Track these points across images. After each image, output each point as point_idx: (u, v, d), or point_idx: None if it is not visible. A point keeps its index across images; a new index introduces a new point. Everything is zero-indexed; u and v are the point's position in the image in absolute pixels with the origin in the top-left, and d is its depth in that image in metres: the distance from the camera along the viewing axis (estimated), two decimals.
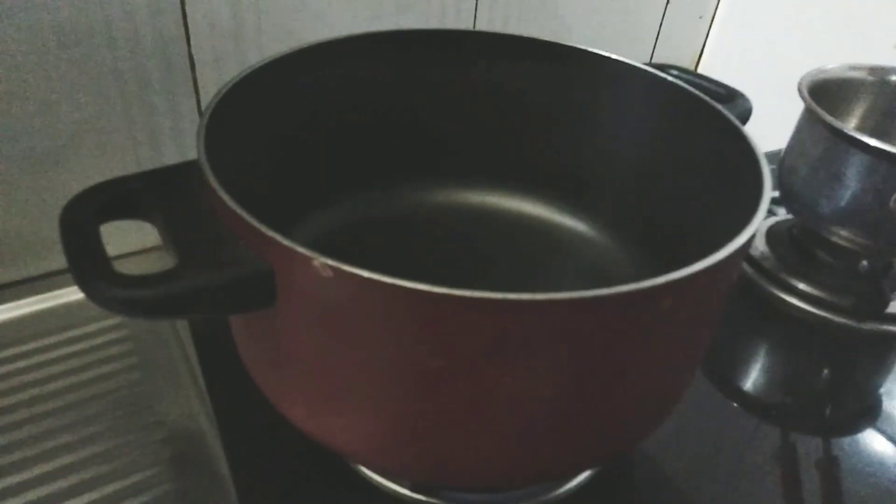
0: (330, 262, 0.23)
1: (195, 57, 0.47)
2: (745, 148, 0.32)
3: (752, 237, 0.26)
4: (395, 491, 0.36)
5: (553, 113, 0.43)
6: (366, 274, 0.22)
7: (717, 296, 0.28)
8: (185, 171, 0.29)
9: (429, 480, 0.34)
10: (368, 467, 0.36)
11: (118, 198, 0.29)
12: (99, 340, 0.46)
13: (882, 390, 0.47)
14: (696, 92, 0.37)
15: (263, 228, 0.24)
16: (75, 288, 0.49)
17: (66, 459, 0.39)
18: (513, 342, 0.24)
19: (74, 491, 0.37)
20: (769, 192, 0.29)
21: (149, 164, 0.49)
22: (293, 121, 0.39)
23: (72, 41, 0.43)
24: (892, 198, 0.44)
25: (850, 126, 0.47)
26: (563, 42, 0.41)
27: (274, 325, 0.27)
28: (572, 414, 0.27)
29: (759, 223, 0.27)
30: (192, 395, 0.43)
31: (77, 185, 0.46)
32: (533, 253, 0.45)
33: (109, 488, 0.37)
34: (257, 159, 0.36)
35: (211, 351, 0.44)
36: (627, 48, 0.69)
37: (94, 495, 0.37)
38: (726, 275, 0.28)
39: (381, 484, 0.36)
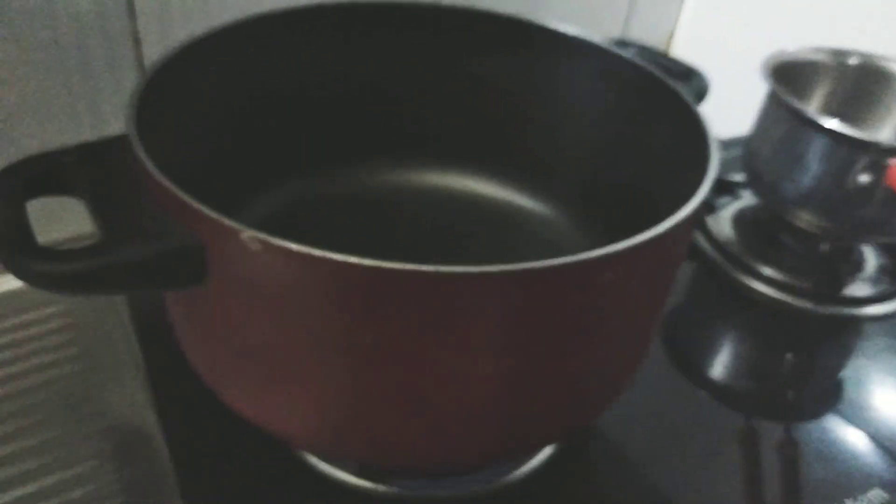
0: (259, 235, 0.22)
1: (141, 33, 0.46)
2: (695, 125, 0.32)
3: (696, 212, 0.26)
4: (341, 479, 0.35)
5: (512, 90, 0.43)
6: (294, 247, 0.22)
7: (662, 270, 0.28)
8: (116, 146, 0.28)
9: (371, 462, 0.33)
10: (309, 450, 0.36)
11: (48, 172, 0.28)
12: (38, 329, 0.45)
13: (843, 374, 0.47)
14: (652, 69, 0.36)
15: (191, 200, 0.23)
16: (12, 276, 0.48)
17: (4, 450, 0.38)
18: (447, 317, 0.23)
19: (14, 482, 0.36)
20: (715, 168, 0.29)
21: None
22: (239, 96, 0.38)
23: (9, 16, 0.42)
24: (849, 180, 0.45)
25: (811, 108, 0.47)
26: (532, 16, 0.41)
27: (206, 303, 0.26)
28: (514, 391, 0.27)
29: (700, 199, 0.26)
30: (135, 386, 0.42)
31: None
32: (490, 233, 0.44)
33: (49, 479, 0.37)
34: (200, 136, 0.35)
35: (153, 339, 0.43)
36: (599, 24, 0.68)
37: (33, 486, 0.36)
38: (671, 249, 0.27)
39: (327, 472, 0.35)
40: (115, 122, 0.48)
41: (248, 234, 0.22)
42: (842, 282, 0.50)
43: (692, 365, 0.46)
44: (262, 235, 0.22)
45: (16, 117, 0.45)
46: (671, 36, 0.76)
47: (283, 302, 0.24)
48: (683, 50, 0.76)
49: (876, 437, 0.42)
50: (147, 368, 0.41)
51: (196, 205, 0.23)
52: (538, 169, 0.45)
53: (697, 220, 0.27)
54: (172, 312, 0.31)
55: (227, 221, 0.23)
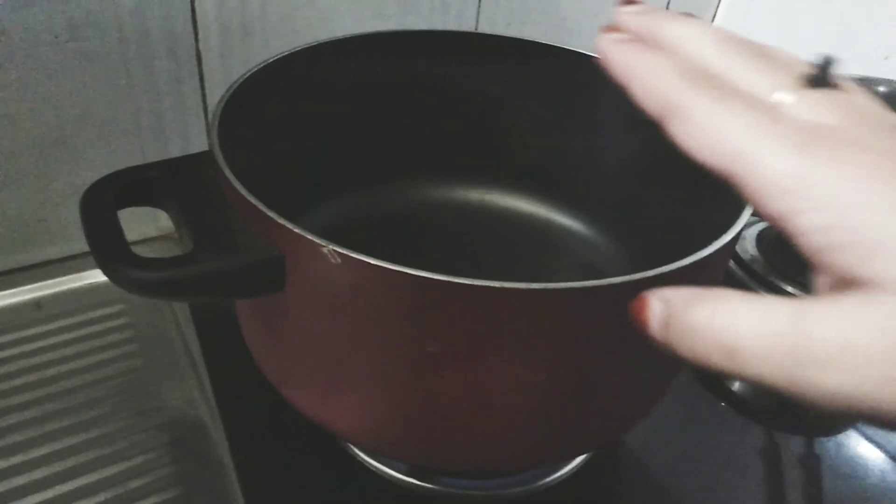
0: (339, 248, 0.24)
1: (202, 52, 0.48)
2: None
3: (736, 237, 0.28)
4: (392, 475, 0.37)
5: (551, 113, 0.45)
6: (372, 261, 0.24)
7: None
8: (198, 162, 0.31)
9: (425, 463, 0.35)
10: (367, 450, 0.38)
11: (135, 185, 0.30)
12: (99, 327, 0.47)
13: None
14: None
15: (275, 216, 0.26)
16: (75, 275, 0.50)
17: (67, 442, 0.40)
18: (507, 329, 0.25)
19: (75, 472, 0.38)
20: None
21: (153, 155, 0.50)
22: (299, 116, 0.40)
23: (82, 35, 0.44)
24: None
25: None
26: (563, 44, 0.43)
27: (281, 309, 0.28)
28: (564, 401, 0.29)
29: (743, 224, 0.28)
30: (191, 382, 0.44)
31: (82, 175, 0.48)
32: (530, 249, 0.46)
33: (109, 470, 0.38)
34: (264, 152, 0.37)
35: (213, 336, 0.45)
36: None
37: (93, 477, 0.38)
38: (711, 271, 0.29)
39: (378, 469, 0.37)
40: (174, 134, 0.51)
41: (329, 248, 0.24)
42: None
43: (716, 379, 0.47)
44: (343, 249, 0.24)
45: (80, 129, 0.47)
46: None
47: (356, 311, 0.26)
48: None
49: (893, 455, 0.43)
50: (206, 364, 0.43)
51: (281, 220, 0.25)
52: (576, 188, 0.46)
53: (734, 245, 0.29)
54: (242, 314, 0.33)
55: (310, 236, 0.25)
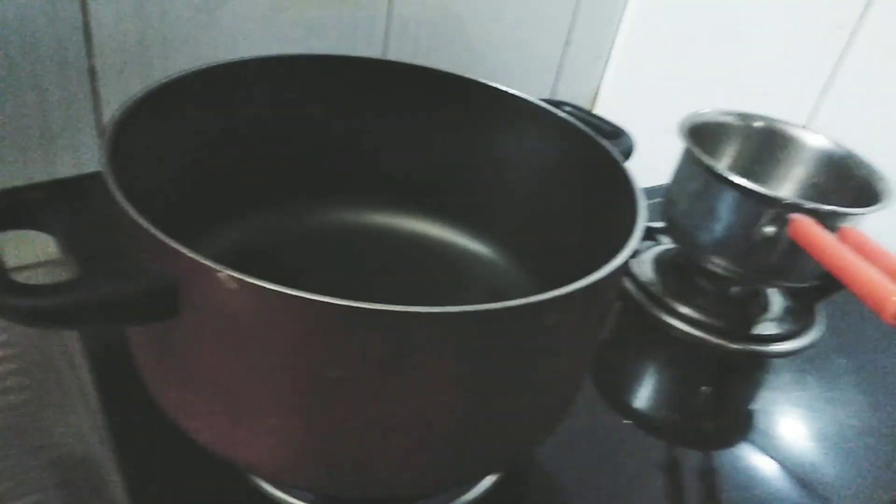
0: (235, 274, 0.24)
1: (97, 68, 0.46)
2: (625, 183, 0.35)
3: (627, 261, 0.29)
4: None
5: (455, 139, 0.46)
6: (270, 286, 0.23)
7: (597, 311, 0.31)
8: (86, 183, 0.29)
9: (331, 492, 0.34)
10: (270, 480, 0.36)
11: (17, 207, 0.28)
12: None
13: (754, 406, 0.51)
14: (586, 128, 0.40)
15: (168, 241, 0.25)
16: None
17: None
18: (409, 353, 0.25)
19: None
20: (643, 223, 0.32)
21: (40, 175, 0.48)
22: (197, 137, 0.39)
23: None
24: (755, 230, 0.49)
25: (722, 165, 0.52)
26: (468, 72, 0.44)
27: (175, 336, 0.27)
28: (468, 422, 0.29)
29: (632, 250, 0.30)
30: (82, 415, 0.42)
31: None
32: (434, 271, 0.47)
33: None
34: (159, 174, 0.36)
35: (105, 364, 0.42)
36: (530, 82, 0.73)
37: None
38: (605, 292, 0.30)
39: (284, 500, 0.36)
40: (66, 154, 0.48)
41: (225, 273, 0.24)
42: (751, 322, 0.55)
43: (619, 397, 0.49)
44: (239, 275, 0.24)
45: None
46: (596, 94, 0.82)
47: (254, 337, 0.25)
48: (605, 107, 0.82)
49: (784, 465, 0.45)
50: (99, 395, 0.41)
51: (174, 244, 0.25)
52: (479, 213, 0.47)
53: (627, 266, 0.30)
54: (134, 342, 0.32)
55: (204, 261, 0.24)
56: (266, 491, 0.37)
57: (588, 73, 0.79)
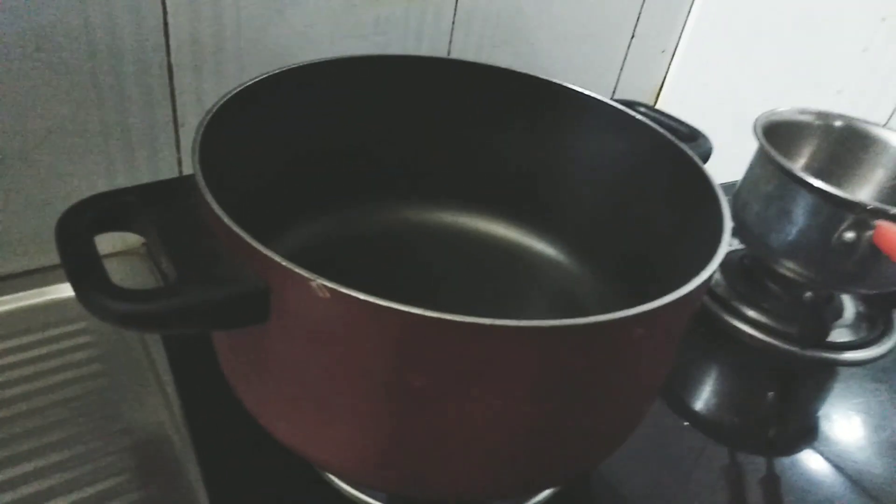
0: (328, 283, 0.24)
1: (174, 66, 0.47)
2: (707, 188, 0.35)
3: (715, 272, 0.29)
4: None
5: (527, 140, 0.46)
6: (362, 296, 0.24)
7: (680, 324, 0.30)
8: (178, 186, 0.30)
9: (404, 493, 0.35)
10: (347, 480, 0.37)
11: (112, 210, 0.29)
12: (62, 345, 0.46)
13: (820, 413, 0.50)
14: (663, 131, 0.39)
15: (262, 248, 0.25)
16: (37, 290, 0.48)
17: (28, 467, 0.38)
18: (494, 364, 0.25)
19: (40, 498, 0.37)
20: (728, 232, 0.31)
21: (120, 169, 0.49)
22: (275, 139, 0.40)
23: (50, 46, 0.43)
24: (835, 236, 0.47)
25: (798, 166, 0.50)
26: (533, 69, 0.43)
27: (264, 340, 0.28)
28: (545, 433, 0.29)
29: (719, 261, 0.29)
30: (159, 403, 0.43)
31: (44, 189, 0.46)
32: (504, 274, 0.47)
33: (75, 495, 0.37)
34: (241, 177, 0.37)
35: (182, 354, 0.44)
36: (593, 77, 0.72)
37: (61, 502, 0.37)
38: (691, 305, 0.30)
39: (357, 498, 0.37)
40: (142, 150, 0.49)
41: (318, 282, 0.24)
42: (825, 328, 0.53)
43: (682, 402, 0.49)
44: (333, 284, 0.24)
45: (45, 142, 0.46)
46: (660, 89, 0.80)
47: (342, 344, 0.26)
48: (668, 103, 0.80)
49: (848, 473, 0.45)
50: (177, 385, 0.42)
51: (268, 252, 0.25)
52: (549, 214, 0.47)
53: (712, 279, 0.29)
54: (220, 344, 0.33)
55: (299, 270, 0.24)
56: (339, 487, 0.37)
57: (653, 68, 0.77)
